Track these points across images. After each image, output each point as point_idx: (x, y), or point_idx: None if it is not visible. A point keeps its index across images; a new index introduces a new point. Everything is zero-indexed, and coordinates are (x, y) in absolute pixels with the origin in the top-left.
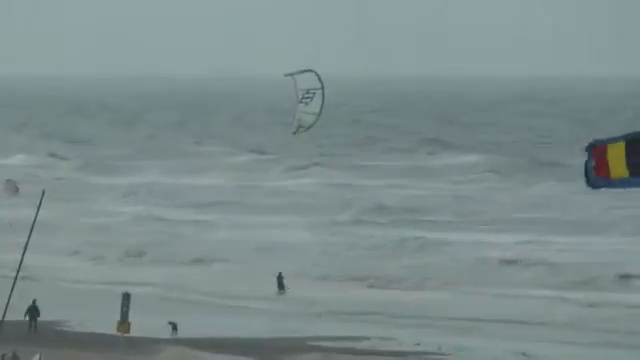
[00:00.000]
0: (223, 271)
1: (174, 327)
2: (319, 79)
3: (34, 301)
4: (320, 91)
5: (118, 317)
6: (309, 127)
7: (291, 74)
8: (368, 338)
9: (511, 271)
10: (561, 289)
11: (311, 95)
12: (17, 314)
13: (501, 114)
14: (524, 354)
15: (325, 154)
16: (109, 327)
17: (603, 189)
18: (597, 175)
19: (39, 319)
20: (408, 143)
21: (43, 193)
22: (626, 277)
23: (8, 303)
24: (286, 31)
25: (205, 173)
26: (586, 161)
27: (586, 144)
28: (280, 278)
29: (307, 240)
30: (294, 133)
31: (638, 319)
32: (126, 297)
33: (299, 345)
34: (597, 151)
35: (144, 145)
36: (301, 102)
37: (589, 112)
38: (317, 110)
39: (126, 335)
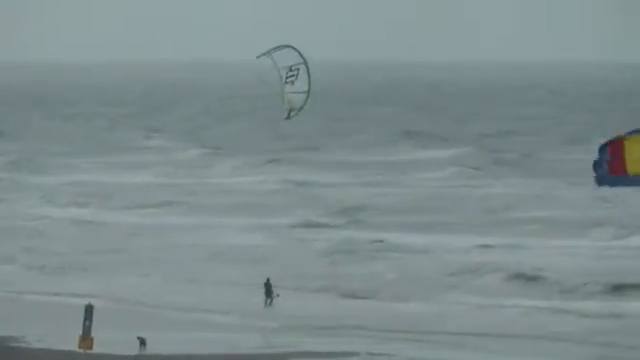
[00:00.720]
0: (181, 280)
1: (142, 342)
2: (299, 54)
3: None
4: (304, 66)
5: (78, 331)
6: (301, 108)
7: (266, 53)
8: (357, 354)
9: (492, 278)
10: (549, 299)
11: (295, 72)
12: None
13: (493, 103)
14: None
15: (289, 148)
16: (69, 343)
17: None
18: (612, 174)
19: None
20: (382, 136)
21: None
22: (618, 285)
23: None
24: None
25: (151, 169)
26: (597, 159)
27: (584, 137)
28: (268, 285)
29: (266, 244)
30: (287, 118)
31: (636, 332)
32: (89, 309)
33: None
34: (612, 147)
35: (87, 140)
36: (286, 82)
37: (590, 99)
38: (305, 88)
39: (89, 352)
